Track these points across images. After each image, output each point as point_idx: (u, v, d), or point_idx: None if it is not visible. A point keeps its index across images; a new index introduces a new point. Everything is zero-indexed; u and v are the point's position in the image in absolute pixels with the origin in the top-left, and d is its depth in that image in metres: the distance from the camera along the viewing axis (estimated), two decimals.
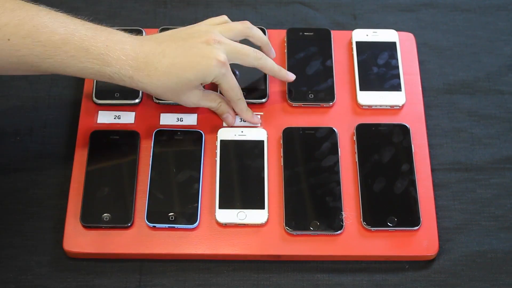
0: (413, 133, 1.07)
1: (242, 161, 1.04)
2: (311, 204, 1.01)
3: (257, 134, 1.06)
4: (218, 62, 1.00)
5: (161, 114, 1.09)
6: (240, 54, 1.03)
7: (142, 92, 1.10)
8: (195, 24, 1.05)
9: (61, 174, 1.06)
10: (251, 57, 1.04)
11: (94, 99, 1.09)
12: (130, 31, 1.13)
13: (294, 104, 1.10)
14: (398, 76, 1.12)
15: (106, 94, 1.09)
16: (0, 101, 1.11)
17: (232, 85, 1.03)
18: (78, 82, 1.13)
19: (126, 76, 0.98)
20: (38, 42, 0.93)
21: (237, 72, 1.10)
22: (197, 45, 1.00)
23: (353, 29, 1.16)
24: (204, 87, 1.05)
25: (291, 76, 1.08)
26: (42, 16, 0.94)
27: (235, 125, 1.08)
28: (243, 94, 1.08)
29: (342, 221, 1.01)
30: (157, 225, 1.00)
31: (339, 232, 1.00)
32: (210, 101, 1.05)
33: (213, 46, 1.00)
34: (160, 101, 1.09)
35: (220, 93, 1.06)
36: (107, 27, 0.99)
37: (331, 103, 1.10)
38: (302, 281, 0.99)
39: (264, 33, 1.14)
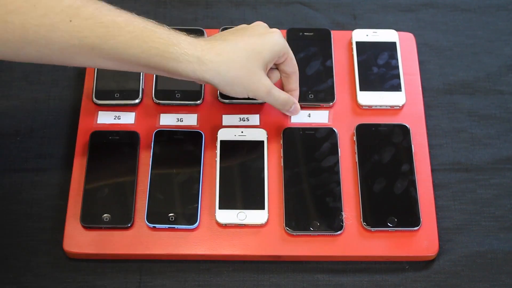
0: (413, 133, 1.07)
1: (242, 162, 1.04)
2: (311, 205, 1.01)
3: (257, 134, 1.06)
4: (281, 34, 1.00)
5: (161, 115, 1.09)
6: (290, 52, 1.02)
7: (142, 92, 1.10)
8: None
9: (61, 175, 1.06)
10: (294, 62, 1.04)
11: (94, 99, 1.09)
12: None
13: None
14: (398, 76, 1.12)
15: (106, 95, 1.09)
16: (0, 101, 1.11)
17: (294, 57, 1.03)
18: (78, 82, 1.13)
19: (194, 56, 0.94)
20: (100, 23, 0.90)
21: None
22: (257, 29, 1.01)
23: (353, 29, 1.16)
24: None
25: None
26: (104, 4, 0.92)
27: (235, 125, 1.08)
28: None
29: (342, 221, 1.01)
30: (157, 226, 1.00)
31: (339, 232, 1.00)
32: (280, 91, 1.02)
33: (271, 29, 1.01)
34: (161, 102, 1.09)
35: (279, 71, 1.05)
36: None
37: (331, 103, 1.10)
38: (302, 282, 0.99)
39: None
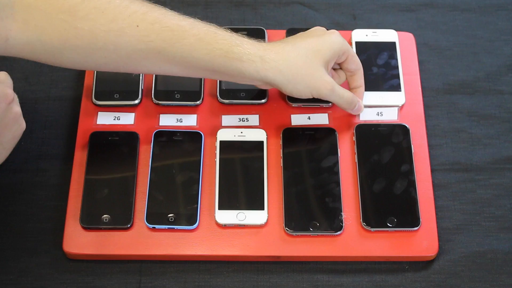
0: (413, 133, 1.07)
1: (241, 162, 1.04)
2: (310, 205, 1.01)
3: (257, 134, 1.06)
4: (339, 34, 1.03)
5: (161, 115, 1.09)
6: (350, 50, 1.05)
7: (142, 93, 1.10)
8: None
9: (60, 175, 1.06)
10: (357, 59, 1.06)
11: (94, 100, 1.09)
12: None
13: (294, 104, 1.10)
14: (397, 76, 1.12)
15: (106, 95, 1.09)
16: None
17: (355, 54, 1.06)
18: (77, 83, 1.13)
19: (257, 55, 0.96)
20: (166, 27, 0.94)
21: None
22: (315, 32, 1.03)
23: (352, 29, 1.16)
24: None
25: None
26: (167, 10, 0.96)
27: (234, 125, 1.08)
28: (242, 95, 1.09)
29: (341, 221, 1.01)
30: (157, 226, 1.00)
31: (338, 232, 1.00)
32: (344, 89, 1.03)
33: (330, 30, 1.04)
34: (160, 102, 1.09)
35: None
36: None
37: (330, 104, 1.10)
38: (302, 282, 0.99)
39: (264, 33, 1.14)
